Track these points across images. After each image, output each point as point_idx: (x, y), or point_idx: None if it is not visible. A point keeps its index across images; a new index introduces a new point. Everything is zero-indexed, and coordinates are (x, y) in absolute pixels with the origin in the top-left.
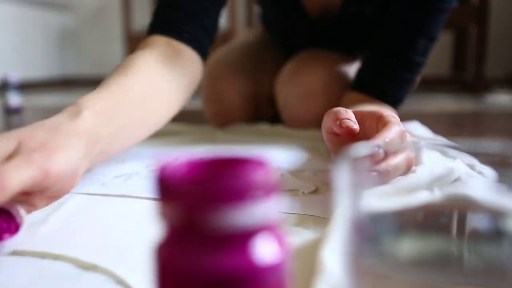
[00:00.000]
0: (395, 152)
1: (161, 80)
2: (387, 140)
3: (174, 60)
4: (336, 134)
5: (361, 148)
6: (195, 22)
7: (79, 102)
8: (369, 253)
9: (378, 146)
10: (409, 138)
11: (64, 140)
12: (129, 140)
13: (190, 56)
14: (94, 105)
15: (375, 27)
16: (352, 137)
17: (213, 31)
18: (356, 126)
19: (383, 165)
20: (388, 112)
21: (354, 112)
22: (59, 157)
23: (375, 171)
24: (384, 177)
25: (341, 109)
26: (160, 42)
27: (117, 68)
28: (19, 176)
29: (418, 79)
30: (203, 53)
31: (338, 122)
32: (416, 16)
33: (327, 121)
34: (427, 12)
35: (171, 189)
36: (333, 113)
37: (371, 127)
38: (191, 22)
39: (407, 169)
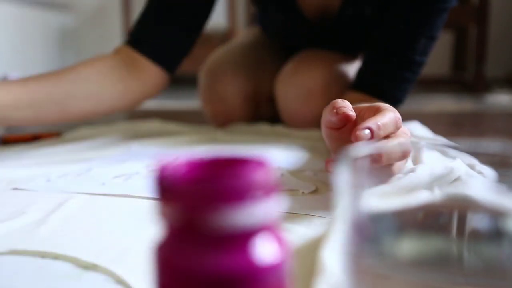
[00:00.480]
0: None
1: (96, 78)
2: (379, 123)
3: (126, 67)
4: (335, 129)
5: (361, 148)
6: (160, 39)
7: None
8: (369, 253)
9: (369, 128)
10: (400, 120)
11: None
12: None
13: (146, 68)
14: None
15: (375, 27)
16: (351, 129)
17: (183, 51)
18: (352, 113)
19: (372, 122)
20: (387, 105)
21: (353, 108)
22: None
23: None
24: (375, 164)
25: (337, 100)
26: (122, 51)
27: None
28: None
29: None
30: (168, 68)
31: (335, 110)
32: (416, 16)
33: (325, 115)
34: (427, 12)
35: (171, 189)
36: (330, 104)
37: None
38: (156, 39)
39: (404, 157)
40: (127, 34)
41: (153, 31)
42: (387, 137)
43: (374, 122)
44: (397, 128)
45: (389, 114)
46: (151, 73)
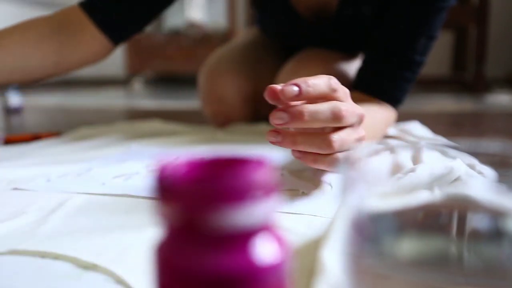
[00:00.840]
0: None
1: (33, 36)
2: (308, 81)
3: (66, 30)
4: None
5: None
6: (114, 10)
7: None
8: (369, 253)
9: (296, 85)
10: (336, 84)
11: None
12: None
13: (91, 34)
14: None
15: (374, 27)
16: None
17: (136, 27)
18: (287, 89)
19: (298, 107)
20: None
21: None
22: None
23: (287, 111)
24: (296, 121)
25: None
26: (70, 12)
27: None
28: None
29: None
30: (114, 39)
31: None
32: (416, 16)
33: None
34: (427, 11)
35: (171, 189)
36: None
37: None
38: (116, 10)
39: (335, 119)
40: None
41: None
42: (320, 99)
43: (303, 79)
44: (331, 89)
45: (322, 76)
46: (94, 41)
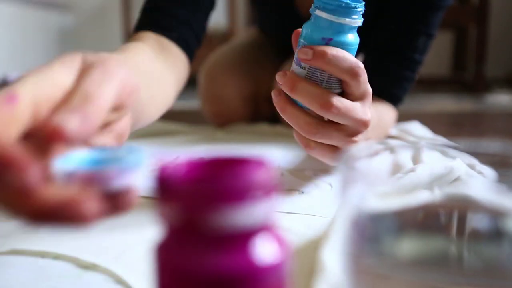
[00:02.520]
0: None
1: (158, 66)
2: (329, 51)
3: (164, 54)
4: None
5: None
6: (183, 25)
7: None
8: (369, 253)
9: (312, 48)
10: (362, 72)
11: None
12: (152, 112)
13: (177, 55)
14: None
15: (374, 27)
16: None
17: (201, 35)
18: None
19: (324, 47)
20: None
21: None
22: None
23: (313, 47)
24: (318, 60)
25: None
26: (150, 37)
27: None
28: (106, 90)
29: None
30: (190, 55)
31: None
32: (414, 15)
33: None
34: (425, 10)
35: (171, 189)
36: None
37: None
38: (180, 24)
39: (352, 75)
40: (139, 19)
41: (173, 16)
42: (339, 79)
43: (322, 48)
44: (353, 74)
45: (349, 55)
46: (182, 60)
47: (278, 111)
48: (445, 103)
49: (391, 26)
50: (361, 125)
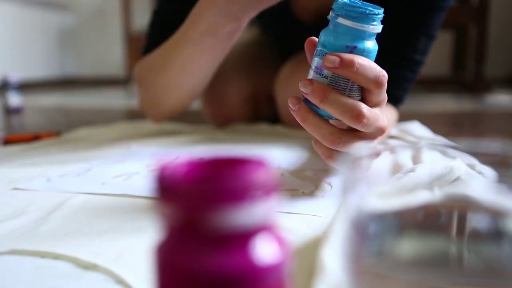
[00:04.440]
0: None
1: None
2: (356, 60)
3: None
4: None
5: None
6: None
7: None
8: (369, 253)
9: (340, 56)
10: (385, 82)
11: None
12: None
13: None
14: None
15: None
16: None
17: None
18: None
19: (352, 56)
20: None
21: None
22: None
23: (340, 55)
24: (346, 68)
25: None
26: None
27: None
28: None
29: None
30: None
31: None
32: (415, 16)
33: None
34: (426, 11)
35: (171, 189)
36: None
37: None
38: None
39: (377, 84)
40: (149, 42)
41: None
42: (363, 88)
43: (350, 56)
44: (378, 83)
45: (373, 63)
46: None
47: (299, 121)
48: (445, 103)
49: (392, 27)
50: (380, 132)
